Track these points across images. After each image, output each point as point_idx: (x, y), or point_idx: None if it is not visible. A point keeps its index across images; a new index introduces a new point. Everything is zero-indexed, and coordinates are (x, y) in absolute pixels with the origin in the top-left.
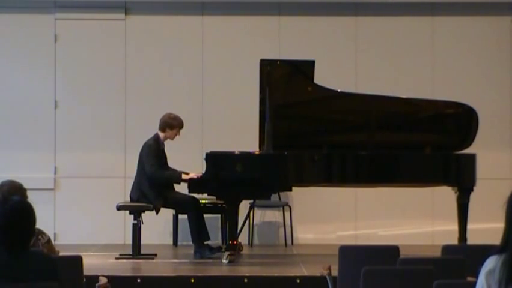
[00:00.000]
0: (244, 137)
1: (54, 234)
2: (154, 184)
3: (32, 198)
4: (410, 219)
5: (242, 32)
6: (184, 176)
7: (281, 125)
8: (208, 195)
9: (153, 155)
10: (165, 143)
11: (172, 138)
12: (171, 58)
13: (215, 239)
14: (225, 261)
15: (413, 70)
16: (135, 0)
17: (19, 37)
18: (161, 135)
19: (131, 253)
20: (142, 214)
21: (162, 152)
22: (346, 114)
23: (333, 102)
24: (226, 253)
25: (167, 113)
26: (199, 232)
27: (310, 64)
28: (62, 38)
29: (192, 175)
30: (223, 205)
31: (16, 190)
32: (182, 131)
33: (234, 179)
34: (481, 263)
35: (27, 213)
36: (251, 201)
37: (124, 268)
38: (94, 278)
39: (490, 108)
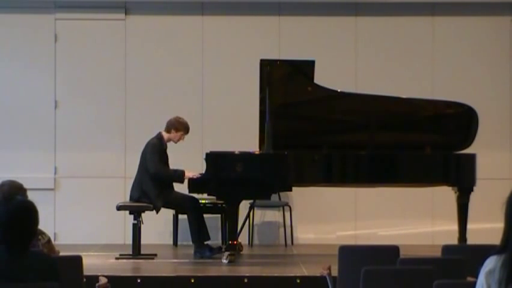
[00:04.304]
0: (244, 137)
1: (54, 234)
2: (156, 183)
3: (32, 198)
4: (410, 219)
5: (242, 32)
6: (186, 174)
7: (281, 125)
8: (208, 195)
9: (157, 154)
10: (167, 144)
11: (176, 141)
12: (171, 58)
13: (215, 239)
14: (225, 261)
15: (413, 70)
16: (135, 0)
17: (19, 37)
18: (165, 135)
19: (131, 253)
20: (142, 214)
21: (164, 152)
22: (346, 114)
23: (333, 102)
24: (226, 253)
25: (176, 116)
26: (199, 232)
27: (310, 64)
28: (62, 38)
29: (191, 174)
30: (223, 205)
31: (16, 190)
32: None
33: (234, 179)
34: (481, 263)
35: (31, 213)
36: (251, 201)
37: (124, 268)
38: (94, 278)
39: (490, 108)
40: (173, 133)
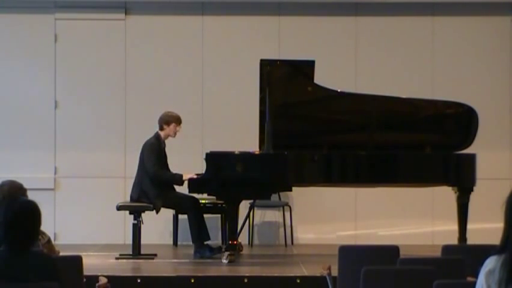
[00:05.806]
0: (244, 137)
1: (54, 234)
2: (155, 183)
3: (32, 198)
4: (410, 219)
5: (242, 32)
6: (185, 177)
7: (281, 125)
8: (208, 195)
9: (155, 154)
10: (166, 142)
11: (173, 135)
12: (171, 58)
13: (215, 239)
14: (225, 261)
15: (413, 70)
16: (135, 0)
17: (19, 37)
18: (161, 133)
19: (131, 253)
20: (142, 214)
21: (163, 151)
22: (346, 114)
23: (333, 102)
24: (226, 253)
25: (164, 111)
26: (199, 232)
27: (310, 64)
28: (62, 38)
29: (191, 175)
30: (223, 205)
31: (16, 190)
32: (182, 131)
33: (234, 179)
34: (481, 263)
35: (35, 214)
36: (251, 201)
37: (124, 268)
38: (94, 278)
39: (490, 108)
40: (166, 128)
